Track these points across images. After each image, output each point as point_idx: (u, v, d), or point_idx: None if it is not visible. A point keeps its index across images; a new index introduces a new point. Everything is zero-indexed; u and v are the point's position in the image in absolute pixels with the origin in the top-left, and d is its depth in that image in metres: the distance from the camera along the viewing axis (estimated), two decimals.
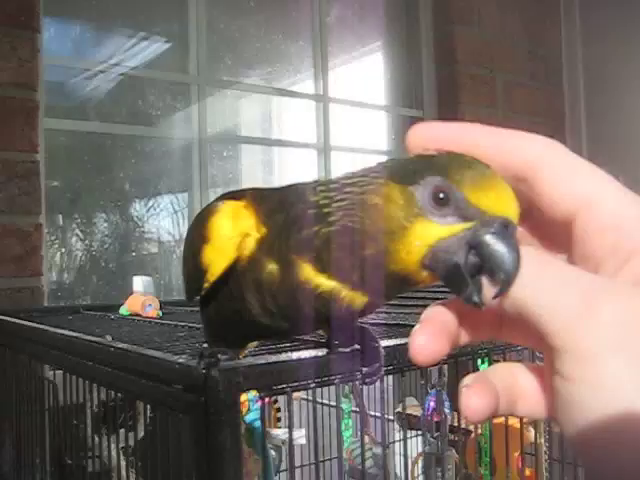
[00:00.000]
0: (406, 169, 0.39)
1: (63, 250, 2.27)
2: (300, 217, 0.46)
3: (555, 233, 0.36)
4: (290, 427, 0.71)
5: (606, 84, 3.08)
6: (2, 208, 1.78)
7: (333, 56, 2.77)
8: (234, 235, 0.56)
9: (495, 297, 0.33)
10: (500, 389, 0.36)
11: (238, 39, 2.59)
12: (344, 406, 1.51)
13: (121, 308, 1.45)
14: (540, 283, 0.31)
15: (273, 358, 0.63)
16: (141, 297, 1.47)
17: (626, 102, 3.02)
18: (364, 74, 2.99)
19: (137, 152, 2.39)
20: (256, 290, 0.54)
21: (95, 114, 2.30)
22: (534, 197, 0.35)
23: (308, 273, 0.47)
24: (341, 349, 0.66)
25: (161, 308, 1.45)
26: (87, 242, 2.30)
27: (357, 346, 0.68)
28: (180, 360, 0.64)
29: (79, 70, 2.25)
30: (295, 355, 0.64)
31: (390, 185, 0.39)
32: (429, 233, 0.37)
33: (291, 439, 0.73)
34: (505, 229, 0.35)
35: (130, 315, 1.41)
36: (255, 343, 0.78)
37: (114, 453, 0.98)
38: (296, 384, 0.62)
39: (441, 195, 0.37)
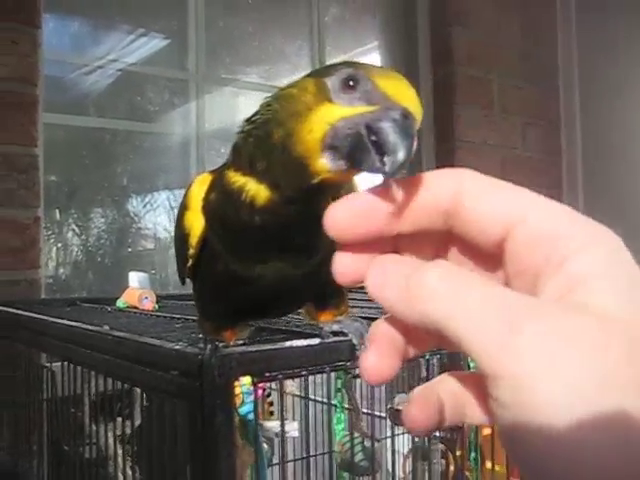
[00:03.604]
0: (325, 67, 0.44)
1: (60, 245, 2.28)
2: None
3: (488, 258, 0.35)
4: (282, 419, 0.73)
5: (602, 87, 3.10)
6: (1, 201, 1.79)
7: (330, 56, 2.79)
8: (202, 195, 0.61)
9: (382, 183, 0.33)
10: (447, 399, 0.35)
11: (237, 37, 2.61)
12: (336, 401, 1.54)
13: (118, 301, 1.47)
14: (462, 305, 0.29)
15: (266, 346, 0.65)
16: (138, 290, 1.49)
17: (622, 104, 3.04)
18: None
19: (135, 148, 2.41)
20: (211, 228, 0.59)
21: (94, 109, 2.32)
22: (462, 228, 0.34)
23: (229, 175, 0.51)
24: None
25: (158, 302, 1.47)
26: (84, 237, 2.32)
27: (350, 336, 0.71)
28: (177, 347, 0.66)
29: (78, 65, 2.26)
30: (288, 343, 0.66)
31: (307, 79, 0.44)
32: (331, 113, 0.40)
33: (283, 431, 0.75)
34: (405, 118, 0.36)
35: (127, 308, 1.43)
36: (246, 333, 0.81)
37: (111, 441, 1.00)
38: (288, 371, 0.65)
39: (351, 82, 0.40)
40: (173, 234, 0.77)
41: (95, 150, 2.32)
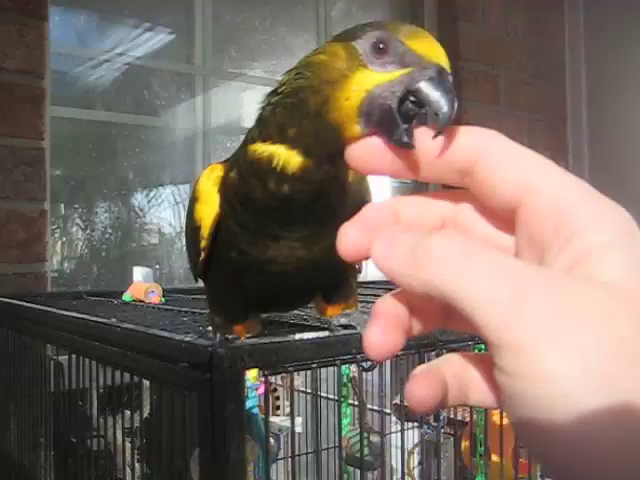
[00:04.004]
0: (348, 31, 0.43)
1: (64, 239, 2.28)
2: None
3: (502, 222, 0.35)
4: (292, 413, 0.73)
5: (609, 83, 3.09)
6: (8, 194, 1.79)
7: None
8: (213, 184, 0.61)
9: (434, 137, 0.34)
10: (451, 379, 0.35)
11: (243, 31, 2.61)
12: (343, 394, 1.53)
13: (124, 294, 1.47)
14: (469, 273, 0.29)
15: (276, 338, 0.65)
16: (144, 284, 1.49)
17: (628, 101, 3.03)
18: None
19: (141, 142, 2.40)
20: (230, 208, 0.59)
21: (100, 103, 2.32)
22: (477, 188, 0.34)
23: (255, 147, 0.51)
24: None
25: (164, 295, 1.47)
26: (88, 231, 2.32)
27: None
28: (186, 338, 0.66)
29: (84, 59, 2.26)
30: (298, 336, 0.66)
31: (334, 43, 0.43)
32: (368, 79, 0.40)
33: (293, 425, 0.75)
34: (441, 75, 0.38)
35: (133, 301, 1.43)
36: (256, 330, 0.81)
37: (118, 434, 1.00)
38: (298, 364, 0.64)
39: (381, 45, 0.40)
40: (185, 231, 0.77)
41: (101, 144, 2.32)
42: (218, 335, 0.63)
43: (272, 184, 0.53)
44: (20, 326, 1.21)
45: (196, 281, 0.79)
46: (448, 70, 0.38)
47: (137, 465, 0.94)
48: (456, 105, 0.36)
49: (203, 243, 0.65)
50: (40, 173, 1.85)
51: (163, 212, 2.48)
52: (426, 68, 0.38)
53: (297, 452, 1.67)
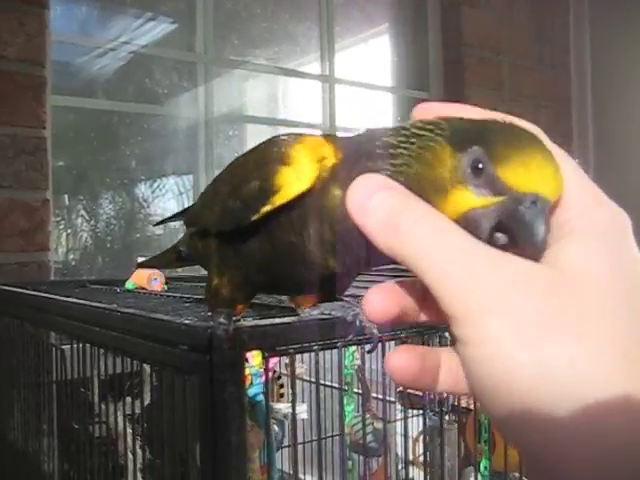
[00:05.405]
0: (464, 134, 0.41)
1: (69, 230, 2.28)
2: (370, 152, 0.47)
3: None
4: (294, 397, 0.72)
5: (613, 68, 3.07)
6: (10, 183, 1.79)
7: (340, 37, 2.77)
8: (314, 162, 0.57)
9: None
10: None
11: (245, 19, 2.59)
12: (347, 380, 1.53)
13: (127, 282, 1.47)
14: (430, 248, 0.33)
15: (277, 320, 0.64)
16: (147, 271, 1.48)
17: (633, 87, 3.01)
18: (371, 55, 2.99)
19: (144, 130, 2.40)
20: (318, 219, 0.56)
21: (102, 92, 2.31)
22: None
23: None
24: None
25: (166, 283, 1.46)
26: (92, 222, 2.32)
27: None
28: (186, 321, 0.65)
29: (86, 48, 2.25)
30: (299, 317, 0.65)
31: (445, 148, 0.41)
32: (464, 201, 0.40)
33: (294, 412, 0.74)
34: (534, 205, 0.37)
35: (136, 289, 1.42)
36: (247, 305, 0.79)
37: (120, 420, 1.00)
38: (299, 345, 0.64)
39: (479, 165, 0.39)
40: (230, 177, 0.72)
41: (103, 132, 2.31)
42: (219, 317, 0.62)
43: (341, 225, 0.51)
44: (22, 314, 1.21)
45: (189, 227, 0.76)
46: (546, 197, 0.37)
47: (139, 451, 0.94)
48: (546, 236, 0.36)
49: (268, 208, 0.60)
50: (42, 162, 1.84)
51: (167, 202, 2.47)
52: (518, 199, 0.38)
53: (302, 439, 1.67)
